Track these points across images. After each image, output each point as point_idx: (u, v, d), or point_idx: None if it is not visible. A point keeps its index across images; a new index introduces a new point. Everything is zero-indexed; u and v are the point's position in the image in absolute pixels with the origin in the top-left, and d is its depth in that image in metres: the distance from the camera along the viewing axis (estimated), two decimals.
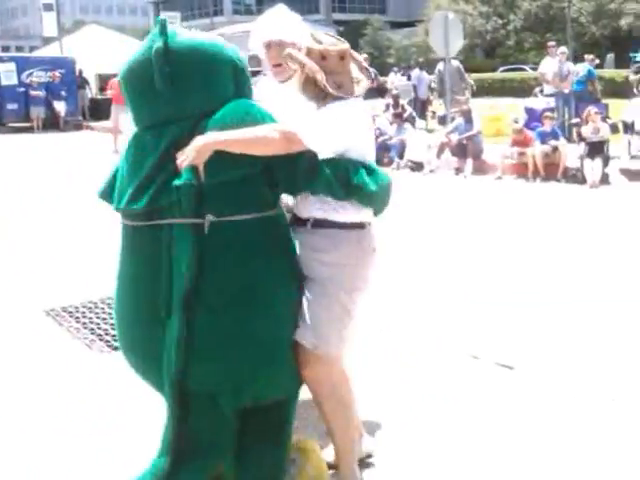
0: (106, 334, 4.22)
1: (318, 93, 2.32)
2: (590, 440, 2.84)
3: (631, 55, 15.99)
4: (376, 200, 2.23)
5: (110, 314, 4.52)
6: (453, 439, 2.89)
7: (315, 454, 2.41)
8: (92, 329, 4.33)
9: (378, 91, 14.08)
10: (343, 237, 2.33)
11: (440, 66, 13.21)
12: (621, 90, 14.99)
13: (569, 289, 4.81)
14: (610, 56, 24.56)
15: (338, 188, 2.12)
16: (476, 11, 35.76)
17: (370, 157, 2.38)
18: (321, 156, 2.20)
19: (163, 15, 13.40)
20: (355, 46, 32.09)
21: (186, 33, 2.19)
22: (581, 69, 12.90)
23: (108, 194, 2.28)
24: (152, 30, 2.19)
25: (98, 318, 4.51)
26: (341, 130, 2.26)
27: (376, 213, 2.39)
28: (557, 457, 2.74)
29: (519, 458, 2.73)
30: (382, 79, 15.27)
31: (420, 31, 40.38)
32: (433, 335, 4.01)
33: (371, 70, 12.11)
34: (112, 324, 4.31)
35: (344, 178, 2.12)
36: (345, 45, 2.38)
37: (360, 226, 2.37)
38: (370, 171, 2.20)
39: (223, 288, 2.06)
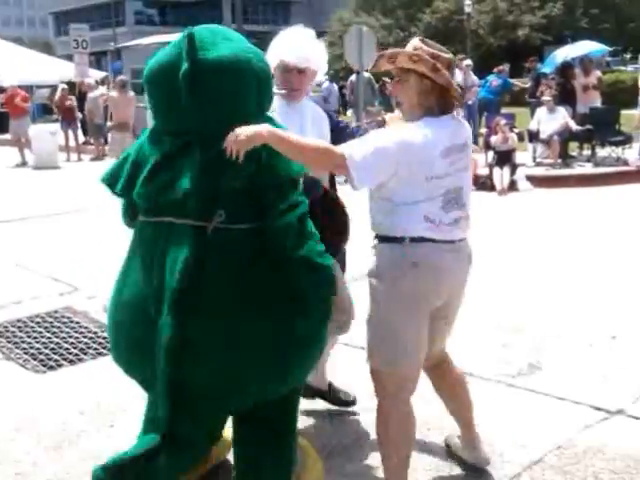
0: (39, 353, 4.13)
1: (429, 106, 2.34)
2: None
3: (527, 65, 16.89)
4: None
5: (40, 333, 4.43)
6: None
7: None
8: (24, 348, 4.22)
9: None
10: (380, 249, 2.41)
11: (353, 78, 13.52)
12: (519, 99, 15.76)
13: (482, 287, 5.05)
14: (505, 65, 25.77)
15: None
16: (378, 24, 36.64)
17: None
18: (354, 189, 2.25)
19: (72, 27, 13.13)
20: None
21: (214, 44, 2.15)
22: (495, 80, 13.56)
23: (113, 180, 2.27)
24: (180, 39, 2.16)
25: (29, 337, 4.39)
26: (384, 164, 2.25)
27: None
28: None
29: None
30: None
31: (324, 42, 41.01)
32: None
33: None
34: (44, 342, 4.26)
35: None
36: (449, 54, 2.37)
37: (395, 240, 2.35)
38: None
39: (224, 293, 2.07)
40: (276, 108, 2.64)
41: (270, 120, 2.23)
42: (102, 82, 19.93)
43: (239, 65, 2.13)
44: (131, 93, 12.34)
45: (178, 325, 2.01)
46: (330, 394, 3.31)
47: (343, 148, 2.25)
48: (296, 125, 2.70)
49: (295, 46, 2.81)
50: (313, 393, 3.28)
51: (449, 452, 2.91)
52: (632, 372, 3.65)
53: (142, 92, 13.12)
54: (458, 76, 12.72)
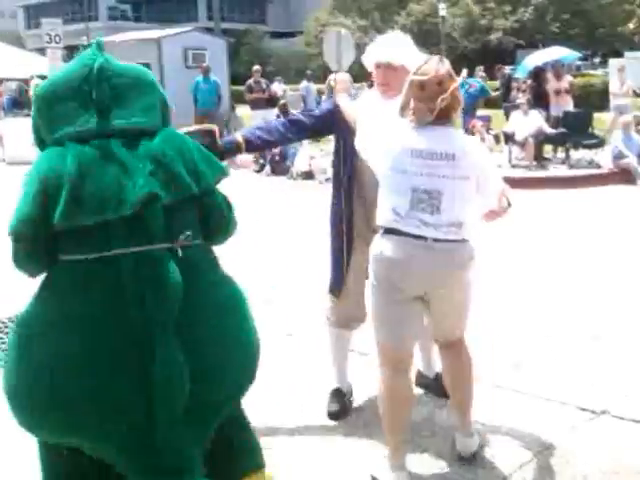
0: None
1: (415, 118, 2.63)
2: None
3: (505, 68, 17.08)
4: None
5: None
6: None
7: None
8: None
9: (269, 101, 14.18)
10: None
11: (331, 77, 13.51)
12: (490, 101, 15.95)
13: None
14: (479, 68, 26.12)
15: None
16: (355, 25, 36.73)
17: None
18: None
19: (44, 21, 12.98)
20: (236, 55, 32.05)
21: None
22: (474, 83, 13.73)
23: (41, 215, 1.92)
24: (85, 51, 2.16)
25: None
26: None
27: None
28: None
29: None
30: (274, 89, 15.37)
31: (299, 42, 41.10)
32: None
33: (262, 81, 12.40)
34: None
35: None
36: (442, 72, 2.59)
37: (379, 229, 2.69)
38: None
39: (204, 309, 2.00)
40: (369, 106, 3.02)
41: (185, 138, 2.17)
42: None
43: (147, 74, 2.19)
44: None
45: (183, 358, 1.89)
46: (437, 383, 3.31)
47: None
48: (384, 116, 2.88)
49: (379, 45, 3.10)
50: (421, 382, 3.42)
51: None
52: (614, 372, 3.68)
53: None
54: None
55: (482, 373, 3.64)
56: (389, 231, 2.61)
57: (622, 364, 3.80)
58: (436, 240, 2.56)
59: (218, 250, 2.21)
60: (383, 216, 2.64)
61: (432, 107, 2.56)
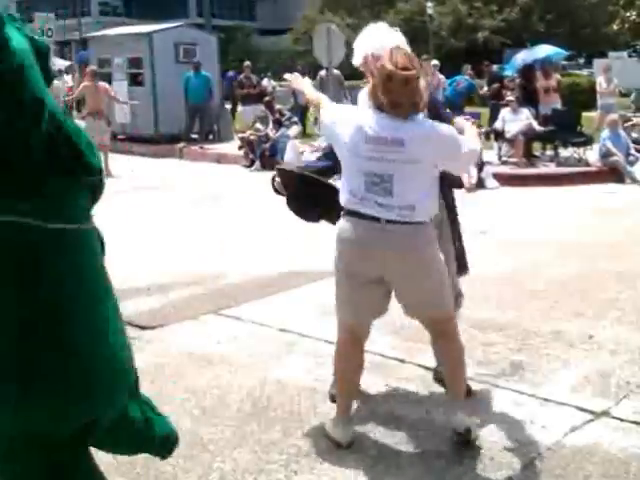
0: None
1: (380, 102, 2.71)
2: None
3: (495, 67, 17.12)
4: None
5: None
6: None
7: None
8: None
9: (259, 97, 14.08)
10: None
11: (322, 73, 13.47)
12: (478, 99, 16.06)
13: None
14: (466, 66, 26.31)
15: None
16: (343, 22, 36.68)
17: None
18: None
19: (37, 15, 12.82)
20: (226, 52, 31.93)
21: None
22: (461, 81, 13.75)
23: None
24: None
25: None
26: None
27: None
28: None
29: None
30: (263, 85, 15.27)
31: (288, 39, 41.02)
32: None
33: (253, 77, 12.32)
34: None
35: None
36: (412, 72, 2.65)
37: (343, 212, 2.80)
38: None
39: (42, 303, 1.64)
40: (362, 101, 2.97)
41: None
42: (67, 71, 19.50)
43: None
44: (103, 82, 12.33)
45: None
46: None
47: None
48: None
49: (365, 38, 3.06)
50: (437, 377, 3.44)
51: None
52: (610, 372, 3.64)
53: (110, 81, 12.73)
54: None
55: (477, 373, 3.61)
56: (349, 213, 2.75)
57: (614, 363, 3.76)
58: (389, 222, 2.66)
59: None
60: (343, 197, 2.78)
61: (415, 101, 2.66)
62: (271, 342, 4.17)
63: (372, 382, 3.46)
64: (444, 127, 2.79)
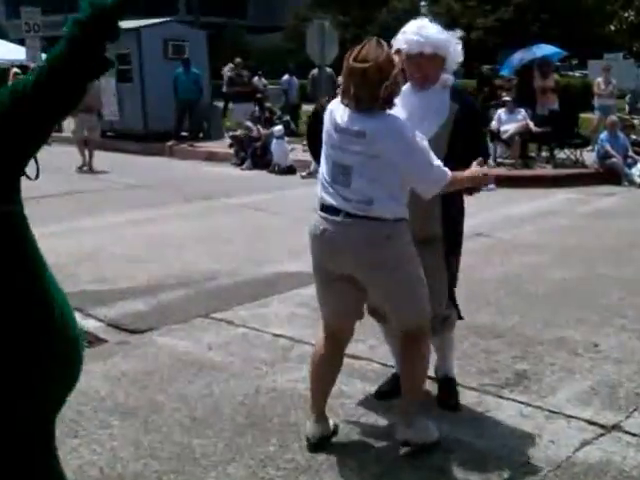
0: None
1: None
2: None
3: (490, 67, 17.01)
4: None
5: None
6: None
7: None
8: None
9: (251, 95, 13.92)
10: None
11: (315, 72, 13.30)
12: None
13: None
14: (460, 68, 26.24)
15: None
16: (335, 21, 36.59)
17: None
18: None
19: (24, 10, 12.59)
20: (216, 49, 31.75)
21: None
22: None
23: None
24: None
25: None
26: None
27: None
28: None
29: None
30: (255, 83, 15.10)
31: (279, 36, 40.85)
32: None
33: (245, 74, 12.12)
34: None
35: None
36: (368, 64, 2.57)
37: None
38: None
39: None
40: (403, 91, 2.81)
41: None
42: None
43: None
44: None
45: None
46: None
47: None
48: (415, 110, 2.86)
49: (418, 33, 2.90)
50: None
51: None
52: (617, 382, 3.51)
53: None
54: None
55: (480, 382, 3.47)
56: (320, 207, 2.74)
57: (621, 373, 3.62)
58: (348, 215, 2.64)
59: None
60: (318, 184, 2.78)
61: (375, 94, 2.57)
62: (265, 347, 4.02)
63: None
64: (407, 127, 2.65)
